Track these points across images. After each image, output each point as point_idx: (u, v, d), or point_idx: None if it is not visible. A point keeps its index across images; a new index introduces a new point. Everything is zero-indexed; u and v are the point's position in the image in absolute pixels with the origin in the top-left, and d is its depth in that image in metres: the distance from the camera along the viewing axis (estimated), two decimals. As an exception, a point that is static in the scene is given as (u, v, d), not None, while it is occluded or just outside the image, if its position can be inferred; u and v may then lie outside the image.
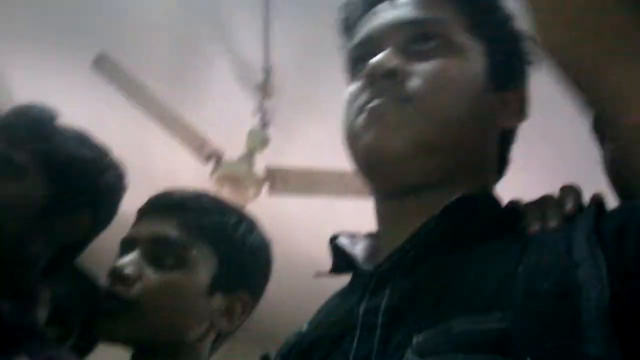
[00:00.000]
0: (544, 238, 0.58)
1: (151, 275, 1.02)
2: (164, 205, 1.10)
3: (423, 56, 0.68)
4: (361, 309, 0.59)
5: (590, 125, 0.74)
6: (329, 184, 2.67)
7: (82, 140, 1.08)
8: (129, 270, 1.02)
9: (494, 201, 0.69)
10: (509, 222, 0.64)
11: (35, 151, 1.01)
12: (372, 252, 0.69)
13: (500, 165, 0.74)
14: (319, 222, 3.00)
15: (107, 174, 1.08)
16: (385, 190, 0.69)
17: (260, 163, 2.81)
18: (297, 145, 3.06)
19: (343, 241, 0.70)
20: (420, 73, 0.66)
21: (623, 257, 0.49)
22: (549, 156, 2.73)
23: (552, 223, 0.60)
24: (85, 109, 3.11)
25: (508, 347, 0.47)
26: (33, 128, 1.03)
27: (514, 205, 0.68)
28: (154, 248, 1.04)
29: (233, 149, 2.77)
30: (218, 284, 1.06)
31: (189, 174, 3.19)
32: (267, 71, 2.73)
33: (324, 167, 2.57)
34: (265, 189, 2.85)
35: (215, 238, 1.07)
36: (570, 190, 0.65)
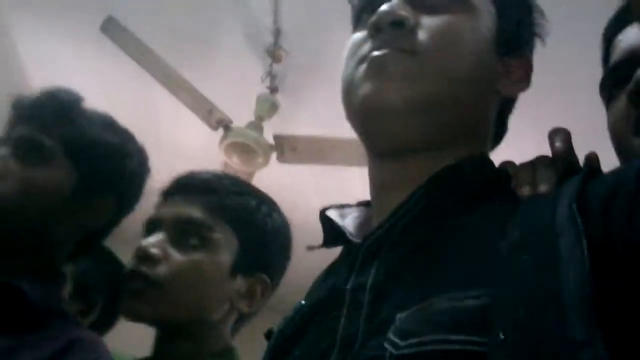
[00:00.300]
0: (531, 206, 0.55)
1: (176, 256, 1.04)
2: (188, 187, 1.11)
3: (434, 10, 0.65)
4: (349, 286, 0.58)
5: (600, 86, 0.72)
6: (338, 151, 2.65)
7: (107, 124, 1.09)
8: (154, 250, 1.03)
9: (485, 164, 0.67)
10: (501, 185, 0.62)
11: (63, 136, 1.01)
12: (364, 222, 0.68)
13: (497, 133, 0.72)
14: (327, 190, 2.99)
15: (132, 158, 1.09)
16: (380, 149, 0.67)
17: (270, 130, 2.79)
18: (306, 112, 3.04)
19: (332, 214, 0.69)
20: (429, 27, 0.64)
21: (608, 228, 0.46)
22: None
23: (543, 186, 0.58)
24: (94, 73, 3.10)
25: (487, 325, 0.45)
26: (60, 113, 1.03)
27: (506, 166, 0.66)
28: (179, 229, 1.06)
29: (242, 115, 2.76)
30: (239, 266, 1.07)
31: (198, 141, 3.18)
32: (276, 35, 2.70)
33: (333, 134, 2.56)
34: (273, 156, 2.84)
35: (238, 220, 1.09)
36: (558, 131, 0.63)
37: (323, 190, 3.22)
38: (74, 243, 1.06)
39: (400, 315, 0.50)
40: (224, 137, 2.77)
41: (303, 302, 0.67)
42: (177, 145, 3.35)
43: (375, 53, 0.63)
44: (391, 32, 0.63)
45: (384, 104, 0.62)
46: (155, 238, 1.05)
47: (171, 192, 1.13)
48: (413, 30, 0.63)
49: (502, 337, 0.44)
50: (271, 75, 2.74)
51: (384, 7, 0.64)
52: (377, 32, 0.64)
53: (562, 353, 0.41)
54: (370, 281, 0.56)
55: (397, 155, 0.65)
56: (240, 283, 1.08)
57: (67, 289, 1.09)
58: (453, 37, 0.64)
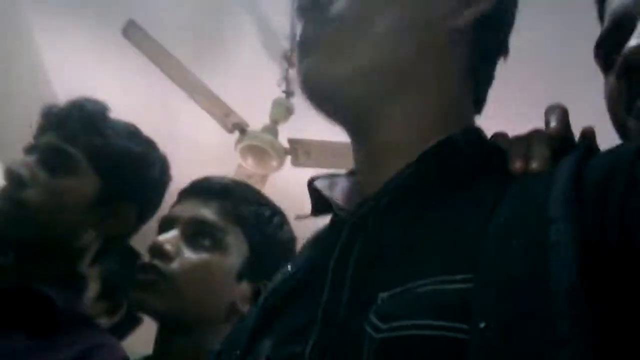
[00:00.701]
0: (522, 187, 0.52)
1: (188, 254, 1.07)
2: (205, 189, 1.14)
3: None
4: (332, 261, 0.55)
5: (594, 52, 0.67)
6: (351, 156, 2.66)
7: (131, 133, 1.11)
8: (168, 247, 1.06)
9: (478, 138, 0.62)
10: (494, 160, 0.59)
11: (89, 145, 1.04)
12: (352, 192, 0.65)
13: (475, 80, 0.66)
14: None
15: (155, 167, 1.12)
16: (341, 124, 0.65)
17: (284, 134, 2.82)
18: (321, 117, 3.06)
19: (320, 184, 0.66)
20: None
21: (602, 215, 0.44)
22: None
23: (535, 162, 0.55)
24: (113, 76, 3.14)
25: (470, 311, 0.43)
26: (87, 123, 1.06)
27: (499, 140, 0.62)
28: (193, 229, 1.09)
29: (257, 118, 2.79)
30: (246, 271, 1.10)
31: (214, 142, 3.21)
32: (293, 39, 2.73)
33: (346, 139, 2.57)
34: (288, 160, 2.87)
35: (250, 227, 1.12)
36: (554, 109, 0.60)
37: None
38: (97, 249, 1.09)
39: (382, 295, 0.49)
40: (239, 140, 2.79)
41: (290, 268, 0.65)
42: (193, 146, 3.38)
43: (299, 38, 0.63)
44: (310, 10, 0.62)
45: (314, 81, 0.61)
46: (170, 235, 1.08)
47: (188, 193, 1.16)
48: (330, 3, 0.61)
49: (482, 325, 0.42)
50: (287, 80, 2.77)
51: None
52: (301, 15, 0.63)
53: (544, 346, 0.39)
54: (353, 256, 0.55)
55: (361, 126, 0.63)
56: (245, 287, 1.10)
57: (94, 290, 1.12)
58: None
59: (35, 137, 1.08)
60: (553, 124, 0.58)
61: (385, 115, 0.61)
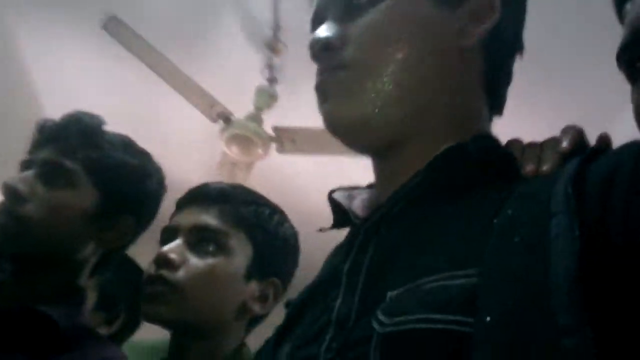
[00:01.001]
0: (528, 186, 0.54)
1: (194, 261, 1.10)
2: (203, 196, 1.17)
3: (359, 12, 0.64)
4: (346, 266, 0.58)
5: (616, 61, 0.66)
6: (336, 142, 2.67)
7: (127, 146, 1.12)
8: (173, 256, 1.09)
9: (489, 144, 0.63)
10: (506, 166, 0.60)
11: (86, 159, 1.05)
12: (371, 203, 0.68)
13: (491, 91, 0.67)
14: (327, 180, 3.02)
15: (152, 179, 1.13)
16: (365, 154, 0.67)
17: (269, 122, 2.82)
18: (305, 104, 3.06)
19: (339, 196, 0.69)
20: (355, 36, 0.63)
21: (604, 212, 0.44)
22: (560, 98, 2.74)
23: (546, 166, 0.56)
24: (94, 68, 3.12)
25: (474, 305, 0.44)
26: (83, 136, 1.07)
27: (512, 146, 0.64)
28: (196, 236, 1.12)
29: (241, 107, 2.78)
30: (253, 271, 1.13)
31: (198, 131, 3.20)
32: (275, 28, 2.72)
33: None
34: (273, 148, 2.87)
35: (252, 227, 1.15)
36: (569, 130, 0.60)
37: (322, 179, 3.24)
38: (95, 261, 1.09)
39: (391, 294, 0.51)
40: (224, 129, 2.79)
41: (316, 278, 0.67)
42: (177, 135, 3.37)
43: (316, 81, 0.65)
44: (325, 55, 0.64)
45: (337, 125, 0.63)
46: (174, 244, 1.10)
47: (186, 202, 1.18)
48: (343, 46, 0.63)
49: (487, 319, 0.43)
50: (270, 67, 2.76)
51: (312, 37, 0.65)
52: (316, 60, 0.66)
53: (545, 338, 0.40)
54: (366, 261, 0.57)
55: (384, 153, 0.65)
56: (254, 287, 1.13)
57: (91, 300, 1.13)
58: (377, 33, 0.62)
59: (31, 152, 1.09)
60: (564, 144, 0.58)
61: (405, 141, 0.63)
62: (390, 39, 0.62)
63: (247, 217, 1.15)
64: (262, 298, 1.15)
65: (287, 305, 0.70)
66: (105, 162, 1.06)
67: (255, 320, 1.18)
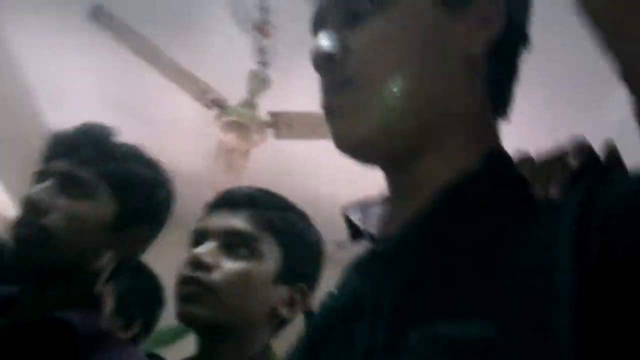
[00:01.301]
0: (538, 226, 0.52)
1: (227, 264, 1.12)
2: (233, 200, 1.20)
3: (358, 20, 0.62)
4: (367, 297, 0.58)
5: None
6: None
7: (139, 156, 1.14)
8: (208, 258, 1.11)
9: (501, 166, 0.62)
10: (518, 188, 0.58)
11: (101, 170, 1.07)
12: (387, 218, 0.66)
13: (498, 98, 0.65)
14: (322, 163, 3.02)
15: (163, 189, 1.15)
16: (375, 167, 0.66)
17: (263, 107, 2.81)
18: (298, 87, 3.05)
19: (353, 214, 0.68)
20: (356, 47, 0.61)
21: (604, 262, 0.43)
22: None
23: (554, 188, 0.55)
24: (86, 58, 3.11)
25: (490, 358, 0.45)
26: (97, 148, 1.09)
27: (523, 165, 0.62)
28: (228, 240, 1.14)
29: (235, 93, 2.77)
30: (283, 275, 1.16)
31: (194, 118, 3.20)
32: (265, 10, 2.71)
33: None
34: (269, 133, 2.86)
35: (281, 232, 1.17)
36: (576, 147, 0.58)
37: (318, 163, 3.25)
38: (111, 270, 1.12)
39: (412, 334, 0.51)
40: (219, 116, 2.79)
41: (335, 291, 0.67)
42: (172, 124, 3.36)
43: (323, 100, 0.63)
44: (327, 68, 0.62)
45: (345, 143, 0.62)
46: (208, 247, 1.13)
47: (217, 205, 1.21)
48: (345, 59, 0.61)
49: None
50: (261, 50, 2.75)
51: (313, 48, 0.63)
52: (318, 71, 0.64)
53: None
54: (388, 292, 0.56)
55: (395, 168, 0.64)
56: (282, 291, 1.15)
57: (109, 306, 1.15)
58: (379, 44, 0.61)
59: (44, 164, 1.10)
60: (573, 162, 0.57)
61: (416, 155, 0.62)
62: (395, 52, 0.61)
63: (276, 222, 1.17)
64: (291, 303, 1.17)
65: (308, 315, 0.69)
66: (120, 173, 1.09)
67: (281, 325, 1.20)
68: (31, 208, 1.03)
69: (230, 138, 2.81)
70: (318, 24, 0.67)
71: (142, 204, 1.11)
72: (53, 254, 1.02)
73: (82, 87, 2.97)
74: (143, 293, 1.55)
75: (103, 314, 1.09)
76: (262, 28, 2.73)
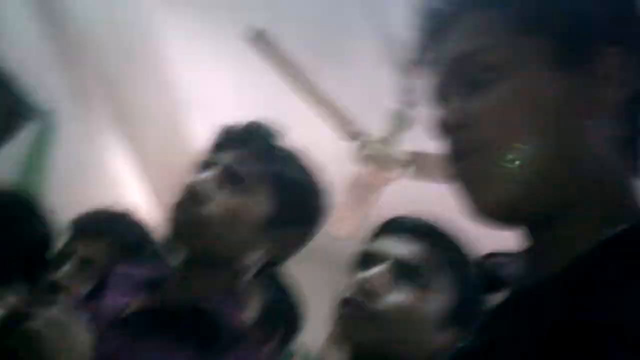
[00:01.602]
0: None
1: (395, 294, 1.05)
2: (408, 228, 1.13)
3: (479, 89, 0.63)
4: (505, 344, 0.57)
5: None
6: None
7: (300, 162, 1.15)
8: (377, 285, 1.06)
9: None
10: None
11: (265, 168, 1.09)
12: (524, 272, 0.66)
13: (631, 153, 0.63)
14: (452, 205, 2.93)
15: (320, 196, 1.15)
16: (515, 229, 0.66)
17: (403, 145, 2.79)
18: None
19: (495, 264, 0.69)
20: (483, 114, 0.62)
21: None
22: None
23: None
24: (233, 77, 3.24)
25: None
26: (264, 147, 1.12)
27: None
28: (401, 268, 1.07)
29: (377, 127, 2.77)
30: (452, 317, 1.07)
31: (327, 152, 3.24)
32: (413, 52, 2.70)
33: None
34: (409, 171, 2.84)
35: (456, 271, 1.09)
36: None
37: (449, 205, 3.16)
38: (257, 270, 1.13)
39: None
40: (359, 148, 2.79)
41: (470, 336, 0.66)
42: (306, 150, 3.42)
43: (456, 167, 0.63)
44: (457, 134, 0.63)
45: (484, 213, 0.62)
46: (378, 272, 1.07)
47: (389, 230, 1.15)
48: (471, 126, 0.62)
49: None
50: (406, 90, 2.74)
51: (441, 116, 0.64)
52: (445, 138, 0.64)
53: None
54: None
55: (533, 229, 0.63)
56: (448, 336, 1.07)
57: (253, 311, 1.16)
58: (508, 114, 0.61)
59: (212, 153, 1.13)
60: None
61: (553, 218, 0.61)
62: (522, 119, 0.61)
63: (454, 260, 1.10)
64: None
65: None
66: (282, 174, 1.10)
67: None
68: (191, 196, 1.05)
69: (367, 172, 2.81)
70: (440, 94, 0.67)
71: (299, 208, 1.11)
72: (206, 243, 1.05)
73: (228, 103, 3.10)
74: (285, 303, 1.54)
75: (247, 312, 1.10)
76: (409, 69, 2.72)
